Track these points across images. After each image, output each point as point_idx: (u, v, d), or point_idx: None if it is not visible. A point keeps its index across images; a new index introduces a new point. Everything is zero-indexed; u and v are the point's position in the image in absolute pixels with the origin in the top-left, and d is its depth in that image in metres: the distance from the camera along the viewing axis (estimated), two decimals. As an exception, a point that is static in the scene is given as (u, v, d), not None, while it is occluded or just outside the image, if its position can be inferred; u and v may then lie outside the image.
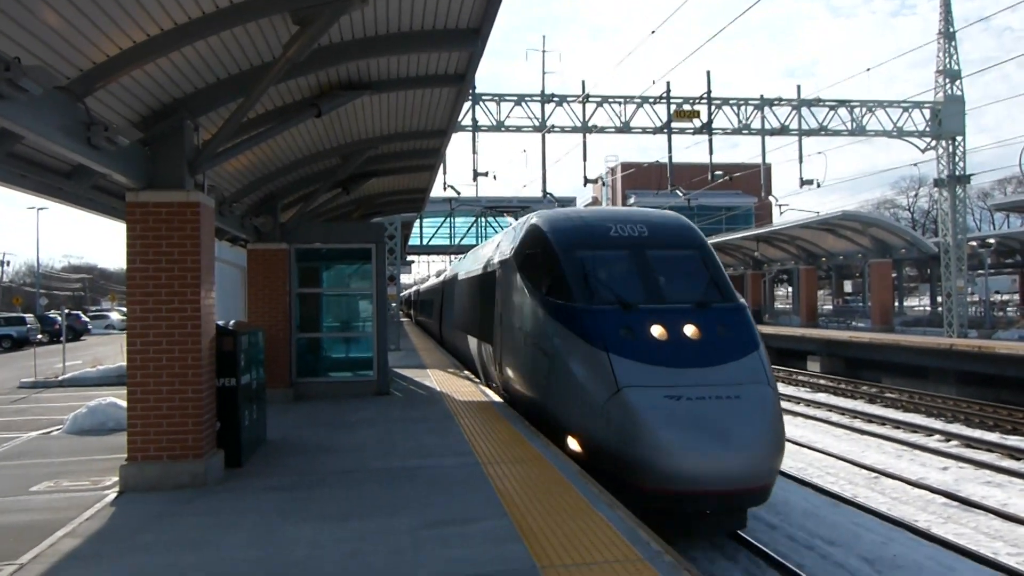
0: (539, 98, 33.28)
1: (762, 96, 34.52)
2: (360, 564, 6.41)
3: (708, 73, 33.11)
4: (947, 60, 34.49)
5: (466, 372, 21.93)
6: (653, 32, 24.47)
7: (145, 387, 9.05)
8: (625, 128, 33.36)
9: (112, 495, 8.88)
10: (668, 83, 33.19)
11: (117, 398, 14.08)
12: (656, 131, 33.50)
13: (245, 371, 10.47)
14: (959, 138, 34.87)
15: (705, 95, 33.33)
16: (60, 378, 23.50)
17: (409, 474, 9.53)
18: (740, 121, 34.10)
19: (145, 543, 7.14)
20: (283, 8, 7.65)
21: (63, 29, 6.69)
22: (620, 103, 33.42)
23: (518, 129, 33.42)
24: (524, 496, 8.27)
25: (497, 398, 16.16)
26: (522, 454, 10.40)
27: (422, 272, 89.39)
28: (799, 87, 34.70)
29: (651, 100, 33.33)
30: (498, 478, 9.10)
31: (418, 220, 47.43)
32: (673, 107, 33.24)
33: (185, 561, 6.62)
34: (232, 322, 11.23)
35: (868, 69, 44.04)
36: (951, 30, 34.36)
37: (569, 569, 6.07)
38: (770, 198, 44.29)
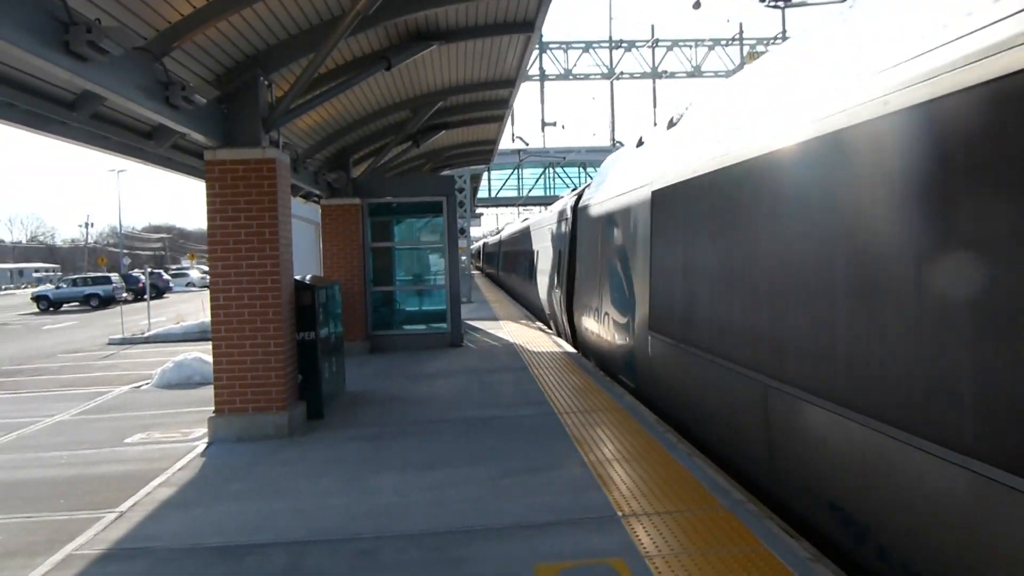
0: (607, 44, 32.75)
1: (839, 34, 33.37)
2: (444, 510, 6.51)
3: (783, 11, 32.13)
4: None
5: (538, 323, 21.96)
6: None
7: (229, 341, 9.29)
8: (696, 72, 32.70)
9: (201, 446, 9.19)
10: (740, 24, 32.31)
11: (201, 353, 14.51)
12: (729, 74, 32.67)
13: (323, 325, 10.66)
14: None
15: (780, 35, 32.36)
16: (146, 334, 24.30)
17: (486, 424, 9.63)
18: (816, 61, 33.09)
19: (236, 491, 7.38)
20: (352, -40, 7.61)
21: (139, -10, 6.77)
22: (691, 47, 32.72)
23: (586, 77, 33.07)
24: (601, 445, 8.28)
25: (571, 348, 16.17)
26: (598, 403, 10.40)
27: (491, 224, 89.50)
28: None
29: (723, 42, 32.53)
30: (575, 427, 9.13)
31: (486, 172, 47.34)
32: (746, 49, 32.38)
33: (276, 507, 6.82)
34: (309, 277, 11.42)
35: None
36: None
37: (650, 517, 6.07)
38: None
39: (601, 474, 7.25)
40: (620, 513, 6.19)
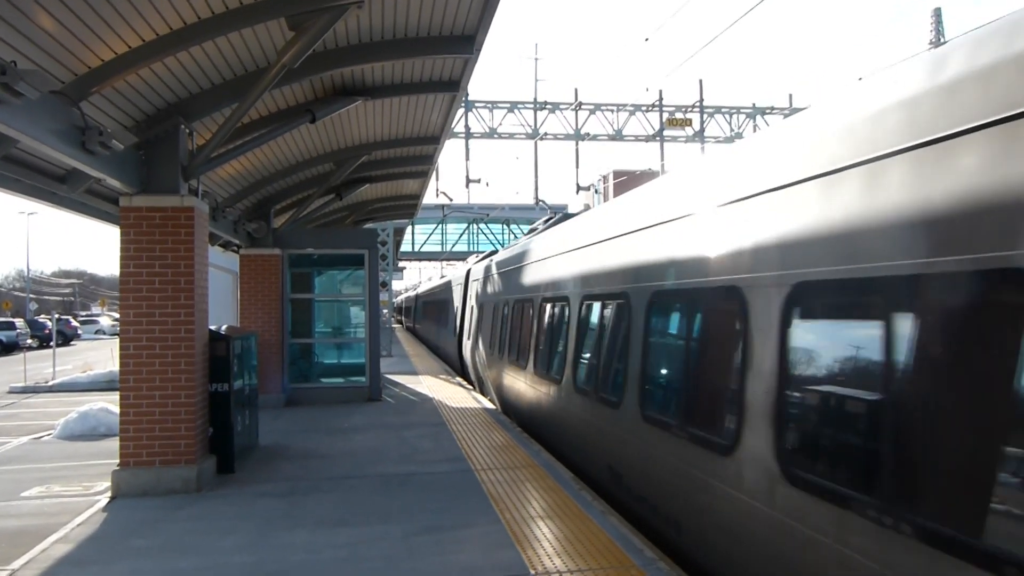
0: (532, 105, 33.38)
1: (754, 104, 34.74)
2: (354, 569, 6.40)
3: (700, 81, 33.31)
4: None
5: (458, 379, 21.90)
6: (647, 40, 24.56)
7: (138, 392, 9.02)
8: (618, 136, 33.49)
9: (104, 500, 8.85)
10: (660, 91, 33.36)
11: (108, 403, 14.04)
12: (649, 139, 33.63)
13: (238, 376, 10.45)
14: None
15: (698, 103, 33.50)
16: (50, 383, 23.38)
17: (402, 480, 9.52)
18: (733, 129, 34.29)
19: (138, 548, 7.11)
20: (278, 14, 7.66)
21: (59, 33, 6.69)
22: (613, 111, 33.57)
23: (511, 136, 33.51)
24: (517, 502, 8.27)
25: (490, 404, 16.16)
26: (515, 460, 10.40)
27: (414, 278, 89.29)
28: (791, 95, 34.94)
29: (644, 108, 33.48)
30: (491, 484, 9.10)
31: (410, 226, 47.41)
32: (666, 115, 33.40)
33: (178, 566, 6.60)
34: (224, 327, 11.21)
35: (860, 78, 44.28)
36: (941, 40, 34.67)
37: (562, 575, 6.08)
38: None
39: (516, 532, 7.23)
40: (533, 572, 6.18)
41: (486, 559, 6.53)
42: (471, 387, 19.93)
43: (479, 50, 9.62)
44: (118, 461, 9.11)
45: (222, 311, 21.72)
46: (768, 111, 34.29)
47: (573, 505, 8.10)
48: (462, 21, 9.07)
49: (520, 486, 8.98)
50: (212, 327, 10.24)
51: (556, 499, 8.36)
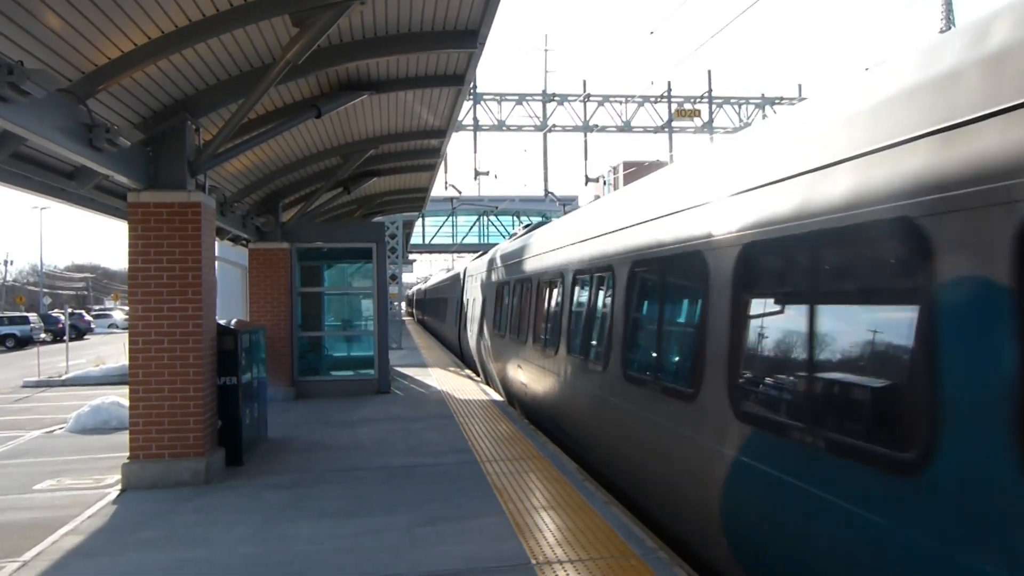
0: (540, 97, 33.38)
1: (763, 95, 34.60)
2: (359, 559, 6.49)
3: (709, 72, 33.24)
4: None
5: (467, 371, 21.99)
6: (652, 33, 24.61)
7: (147, 386, 9.14)
8: (626, 127, 33.46)
9: (114, 493, 8.98)
10: (669, 82, 33.29)
11: (120, 397, 14.18)
12: (657, 130, 33.59)
13: (246, 370, 10.56)
14: (960, 137, 34.99)
15: (706, 94, 33.41)
16: (63, 377, 23.60)
17: (408, 472, 9.61)
18: (741, 120, 34.20)
19: (147, 539, 7.23)
20: (282, 11, 7.72)
21: (65, 32, 6.78)
22: (621, 102, 33.52)
23: (519, 128, 33.53)
24: (521, 493, 8.35)
25: (498, 396, 16.24)
26: (520, 452, 10.48)
27: (423, 271, 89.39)
28: (800, 86, 34.79)
29: (652, 99, 33.42)
30: (496, 476, 9.18)
31: (420, 219, 47.49)
32: (674, 106, 33.34)
33: (186, 556, 6.71)
34: (233, 321, 11.32)
35: (867, 68, 43.97)
36: (952, 28, 34.53)
37: (564, 565, 6.15)
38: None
39: (519, 522, 7.31)
40: (534, 561, 6.26)
41: (488, 549, 6.61)
42: (479, 379, 20.01)
43: (483, 44, 9.66)
44: (128, 454, 9.24)
45: (232, 305, 21.84)
46: (777, 101, 34.17)
47: (576, 496, 8.17)
48: (465, 16, 9.11)
49: (524, 477, 9.06)
50: (221, 321, 10.35)
51: (559, 490, 8.43)
